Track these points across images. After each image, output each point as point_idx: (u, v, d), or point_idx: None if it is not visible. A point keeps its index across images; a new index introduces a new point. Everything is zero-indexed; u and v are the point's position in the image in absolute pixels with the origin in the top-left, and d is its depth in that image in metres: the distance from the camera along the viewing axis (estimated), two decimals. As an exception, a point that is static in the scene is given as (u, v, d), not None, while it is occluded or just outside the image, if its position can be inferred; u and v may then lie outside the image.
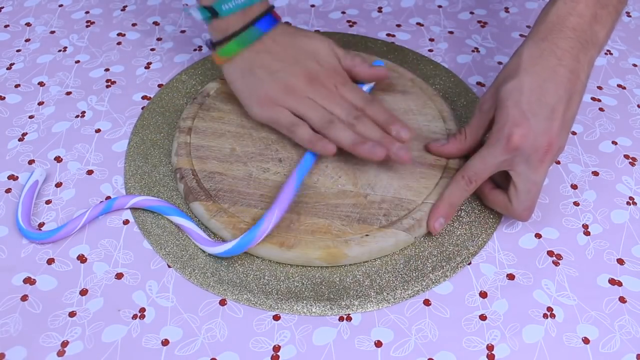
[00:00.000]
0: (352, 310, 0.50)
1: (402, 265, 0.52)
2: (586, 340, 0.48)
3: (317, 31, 0.72)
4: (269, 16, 0.58)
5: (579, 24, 0.51)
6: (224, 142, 0.58)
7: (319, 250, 0.51)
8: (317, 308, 0.50)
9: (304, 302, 0.50)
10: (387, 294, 0.50)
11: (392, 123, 0.55)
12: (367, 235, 0.52)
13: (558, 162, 0.60)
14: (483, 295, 0.51)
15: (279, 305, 0.50)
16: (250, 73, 0.57)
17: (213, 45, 0.58)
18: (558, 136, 0.50)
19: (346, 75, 0.59)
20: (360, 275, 0.52)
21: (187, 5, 0.76)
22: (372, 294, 0.50)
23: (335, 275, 0.52)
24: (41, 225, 0.54)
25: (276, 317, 0.50)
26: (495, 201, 0.54)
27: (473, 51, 0.71)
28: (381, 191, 0.55)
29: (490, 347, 0.48)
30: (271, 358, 0.47)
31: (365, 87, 0.60)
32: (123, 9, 0.76)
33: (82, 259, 0.52)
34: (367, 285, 0.51)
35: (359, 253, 0.51)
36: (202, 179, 0.55)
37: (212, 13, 0.57)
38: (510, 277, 0.52)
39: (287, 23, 0.60)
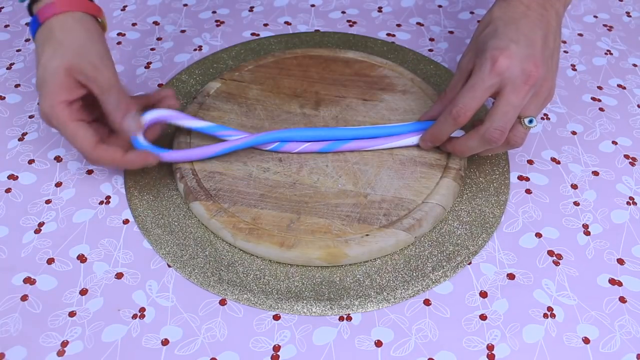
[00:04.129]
0: (352, 310, 0.50)
1: (402, 265, 0.52)
2: (586, 340, 0.48)
3: (317, 30, 0.72)
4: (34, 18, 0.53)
5: None
6: (224, 142, 0.58)
7: (319, 250, 0.51)
8: (317, 308, 0.50)
9: (304, 302, 0.50)
10: (387, 293, 0.50)
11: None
12: (367, 235, 0.52)
13: (558, 162, 0.60)
14: (483, 295, 0.51)
15: (279, 305, 0.50)
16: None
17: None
18: (543, 64, 0.50)
19: None
20: (360, 275, 0.52)
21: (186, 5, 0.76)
22: (372, 293, 0.50)
23: (335, 275, 0.52)
24: (41, 225, 0.54)
25: (276, 317, 0.49)
26: (469, 137, 0.53)
27: (473, 51, 0.71)
28: (381, 191, 0.55)
29: (490, 347, 0.48)
30: (271, 358, 0.47)
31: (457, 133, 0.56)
32: (123, 9, 0.76)
33: (82, 258, 0.52)
34: (367, 285, 0.51)
35: (359, 253, 0.51)
36: (202, 178, 0.55)
37: None
38: (511, 276, 0.52)
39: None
